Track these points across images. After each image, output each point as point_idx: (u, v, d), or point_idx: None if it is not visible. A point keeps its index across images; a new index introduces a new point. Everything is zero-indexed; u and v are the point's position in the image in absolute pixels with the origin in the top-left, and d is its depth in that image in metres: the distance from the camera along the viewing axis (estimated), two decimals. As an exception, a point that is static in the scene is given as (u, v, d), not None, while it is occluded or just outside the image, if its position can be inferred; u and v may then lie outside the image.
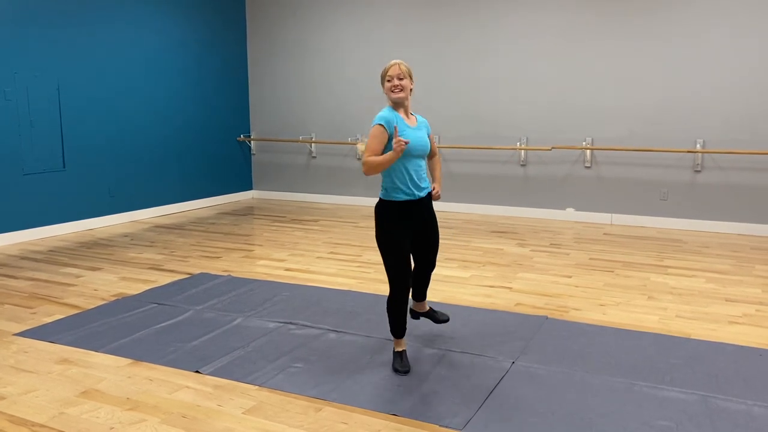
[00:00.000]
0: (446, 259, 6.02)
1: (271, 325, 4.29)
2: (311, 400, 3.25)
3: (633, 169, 7.61)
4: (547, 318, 4.40)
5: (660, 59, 7.31)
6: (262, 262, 6.01)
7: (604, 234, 7.17)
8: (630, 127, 7.53)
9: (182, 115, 8.70)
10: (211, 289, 5.11)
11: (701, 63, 7.15)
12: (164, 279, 5.42)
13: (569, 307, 4.67)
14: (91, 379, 3.49)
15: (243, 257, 6.18)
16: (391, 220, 3.48)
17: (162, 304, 4.74)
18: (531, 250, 6.38)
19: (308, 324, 4.29)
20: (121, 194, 7.93)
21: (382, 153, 3.39)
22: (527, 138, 8.02)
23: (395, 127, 3.35)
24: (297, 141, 9.45)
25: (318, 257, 6.15)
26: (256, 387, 3.39)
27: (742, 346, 3.90)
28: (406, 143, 3.29)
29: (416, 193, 3.49)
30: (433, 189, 3.66)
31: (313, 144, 9.38)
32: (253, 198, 9.94)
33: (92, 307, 4.70)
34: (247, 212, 8.72)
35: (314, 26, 9.15)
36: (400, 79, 3.43)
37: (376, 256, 5.65)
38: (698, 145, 7.22)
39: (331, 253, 6.30)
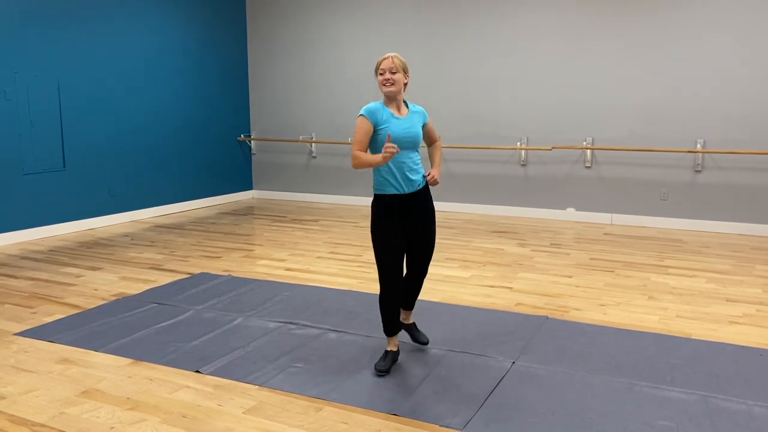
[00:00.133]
0: (446, 258, 6.02)
1: (272, 324, 4.29)
2: (311, 399, 3.25)
3: (633, 169, 7.61)
4: (547, 318, 4.40)
5: (660, 59, 7.31)
6: (262, 261, 6.01)
7: (605, 234, 7.17)
8: (630, 127, 7.53)
9: (182, 115, 8.70)
10: (211, 288, 5.11)
11: (701, 63, 7.14)
12: (164, 279, 5.42)
13: (570, 307, 4.67)
14: (91, 379, 3.49)
15: (243, 257, 6.18)
16: (382, 214, 3.44)
17: (162, 303, 4.74)
18: (531, 250, 6.38)
19: (308, 324, 4.29)
20: (121, 194, 7.93)
21: (369, 144, 3.39)
22: (527, 138, 8.02)
23: (388, 136, 3.27)
24: (297, 141, 9.45)
25: (318, 257, 6.15)
26: (257, 387, 3.39)
27: (742, 346, 3.90)
28: (397, 151, 3.23)
29: (406, 188, 3.42)
30: (428, 173, 3.51)
31: (313, 144, 9.38)
32: (253, 198, 9.94)
33: (92, 306, 4.70)
34: (247, 212, 8.72)
35: (315, 26, 9.15)
36: (393, 73, 3.38)
37: (377, 256, 5.65)
38: (699, 145, 7.22)
39: (332, 252, 6.30)
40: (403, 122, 3.43)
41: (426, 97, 8.35)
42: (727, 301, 4.80)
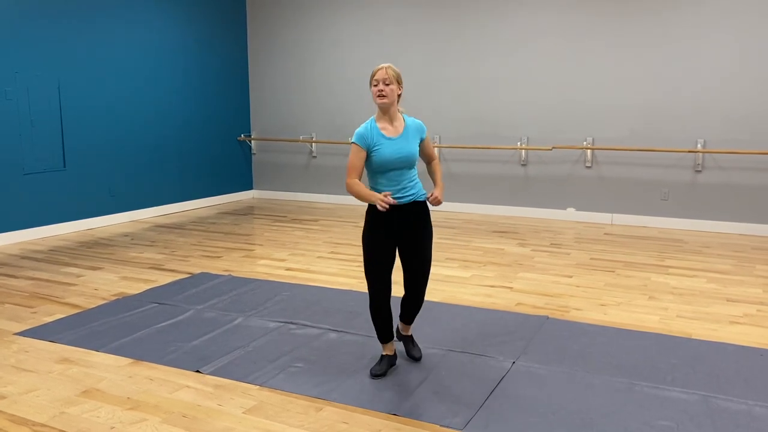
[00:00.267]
0: (447, 258, 6.02)
1: (272, 324, 4.29)
2: (312, 399, 3.25)
3: (634, 169, 7.61)
4: (547, 318, 4.40)
5: (660, 59, 7.31)
6: (262, 261, 6.01)
7: (605, 234, 7.17)
8: (631, 127, 7.53)
9: (183, 115, 8.70)
10: (211, 288, 5.11)
11: (702, 63, 7.14)
12: (165, 279, 5.42)
13: (570, 307, 4.67)
14: (91, 379, 3.49)
15: (243, 257, 6.18)
16: (372, 223, 3.42)
17: (162, 303, 4.74)
18: (532, 250, 6.37)
19: (309, 324, 4.29)
20: (121, 194, 7.93)
21: (363, 166, 3.34)
22: (528, 138, 8.02)
23: (385, 195, 3.20)
24: (297, 141, 9.45)
25: (318, 257, 6.15)
26: (257, 387, 3.39)
27: (743, 346, 3.90)
28: (392, 204, 3.18)
29: (397, 198, 3.34)
30: (431, 194, 3.42)
31: (313, 144, 9.38)
32: (253, 198, 9.94)
33: (93, 306, 4.70)
34: (247, 212, 8.72)
35: (315, 26, 9.15)
36: (386, 84, 3.31)
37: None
38: (699, 145, 7.22)
39: (332, 252, 6.30)
40: (395, 143, 3.33)
41: (427, 98, 8.36)
42: (727, 301, 4.79)
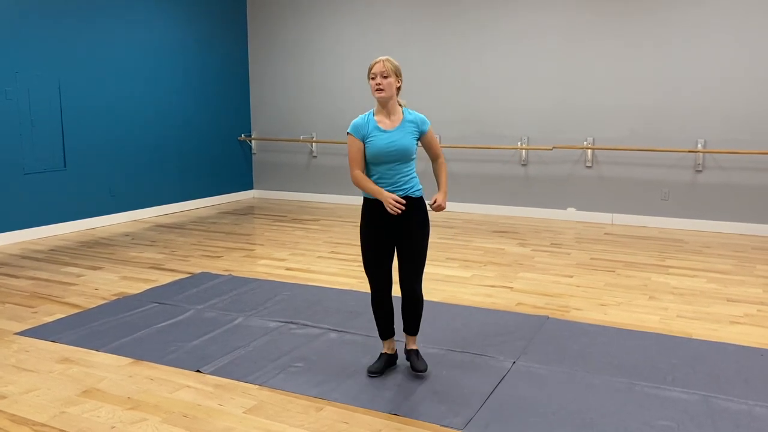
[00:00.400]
0: (447, 258, 6.02)
1: (272, 324, 4.29)
2: (312, 399, 3.25)
3: (634, 169, 7.61)
4: (548, 318, 4.40)
5: (661, 59, 7.31)
6: (262, 261, 6.01)
7: (606, 234, 7.17)
8: (631, 127, 7.53)
9: (183, 115, 8.70)
10: (211, 288, 5.11)
11: (702, 63, 7.14)
12: (165, 278, 5.42)
13: (570, 306, 4.66)
14: (92, 379, 3.49)
15: (244, 257, 6.18)
16: (367, 217, 3.42)
17: (163, 303, 4.74)
18: (532, 250, 6.37)
19: (309, 323, 4.29)
20: (121, 194, 7.93)
21: (363, 157, 3.32)
22: (528, 138, 8.02)
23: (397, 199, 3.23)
24: (298, 140, 9.45)
25: (319, 257, 6.15)
26: (257, 386, 3.39)
27: (743, 346, 3.90)
28: (402, 209, 3.20)
29: (390, 192, 3.30)
30: (433, 200, 3.35)
31: (313, 143, 9.38)
32: (253, 197, 9.94)
33: (93, 306, 4.70)
34: (247, 212, 8.72)
35: (315, 26, 9.15)
36: (384, 77, 3.28)
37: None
38: (699, 145, 7.21)
39: (332, 252, 6.30)
40: (388, 135, 3.30)
41: (426, 97, 8.36)
42: (728, 301, 4.79)
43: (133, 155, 8.03)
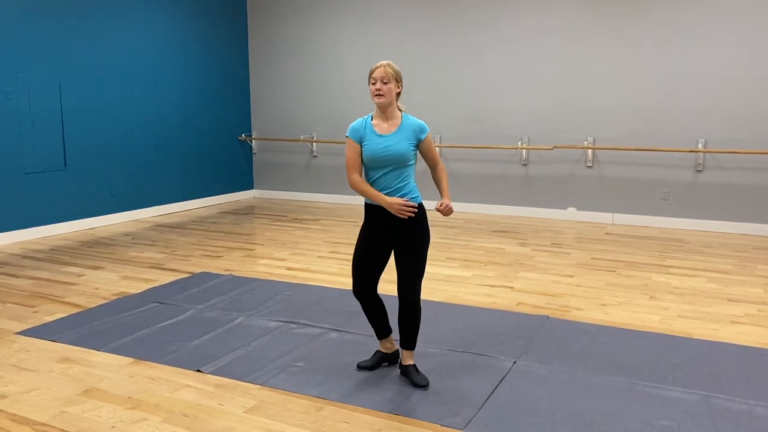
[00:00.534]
0: (448, 258, 6.02)
1: (273, 324, 4.29)
2: (312, 399, 3.25)
3: (635, 169, 7.61)
4: (548, 318, 4.40)
5: (661, 59, 7.30)
6: (263, 261, 6.01)
7: (606, 234, 7.17)
8: (631, 127, 7.53)
9: (183, 115, 8.71)
10: (212, 288, 5.11)
11: (702, 63, 7.14)
12: (165, 278, 5.42)
13: (571, 306, 4.66)
14: (92, 378, 3.49)
15: (244, 256, 6.18)
16: (365, 218, 3.42)
17: (163, 303, 4.74)
18: (532, 250, 6.37)
19: (309, 323, 4.29)
20: (122, 193, 7.93)
21: (361, 161, 3.32)
22: (529, 137, 8.02)
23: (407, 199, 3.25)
24: (298, 140, 9.45)
25: (319, 256, 6.15)
26: (258, 386, 3.39)
27: (744, 346, 3.90)
28: (414, 212, 3.23)
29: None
30: (440, 203, 3.30)
31: (314, 143, 9.38)
32: (254, 197, 9.94)
33: (94, 306, 4.70)
34: (248, 211, 8.72)
35: (315, 26, 9.15)
36: (384, 83, 3.25)
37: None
38: (700, 145, 7.21)
39: (333, 252, 6.30)
40: (384, 140, 3.28)
41: (427, 97, 8.36)
42: (728, 300, 4.79)
43: (133, 155, 8.03)
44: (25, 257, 6.18)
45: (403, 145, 3.29)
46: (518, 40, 7.96)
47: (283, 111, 9.56)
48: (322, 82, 9.20)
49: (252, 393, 3.32)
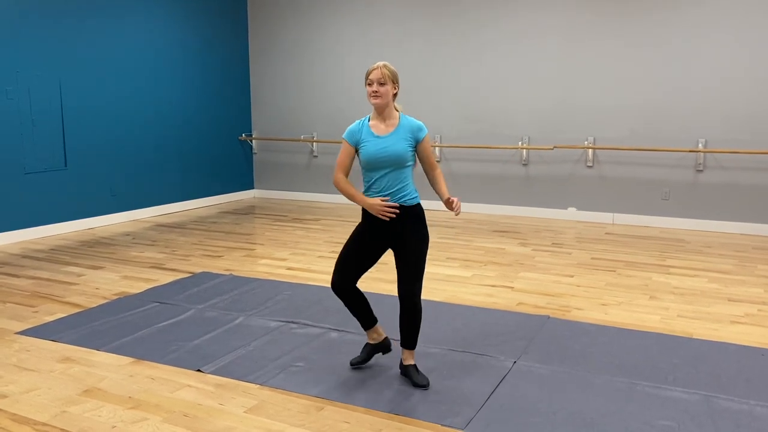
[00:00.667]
0: (448, 258, 6.02)
1: (273, 324, 4.29)
2: (313, 399, 3.25)
3: (635, 169, 7.61)
4: (548, 317, 4.40)
5: (661, 59, 7.30)
6: (263, 261, 6.01)
7: (606, 233, 7.17)
8: (632, 127, 7.53)
9: (184, 115, 8.71)
10: (212, 288, 5.11)
11: (703, 62, 7.14)
12: (166, 278, 5.42)
13: (571, 306, 4.66)
14: (93, 378, 3.50)
15: (244, 256, 6.18)
16: (362, 218, 3.43)
17: (164, 302, 4.74)
18: (533, 250, 6.37)
19: (310, 323, 4.29)
20: (122, 193, 7.94)
21: (350, 163, 3.35)
22: (529, 137, 8.02)
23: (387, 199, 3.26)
24: (298, 140, 9.45)
25: (319, 256, 6.15)
26: (258, 386, 3.39)
27: (744, 346, 3.90)
28: (395, 213, 3.23)
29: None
30: (449, 199, 3.32)
31: (314, 143, 9.38)
32: (254, 197, 9.94)
33: (94, 305, 4.70)
34: (248, 211, 8.72)
35: (315, 26, 9.15)
36: (381, 84, 3.25)
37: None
38: (700, 145, 7.21)
39: (333, 252, 6.30)
40: (381, 141, 3.28)
41: (427, 97, 8.36)
42: (729, 300, 4.79)
43: (133, 155, 8.03)
44: (25, 257, 6.18)
45: (400, 145, 3.29)
46: (518, 40, 7.96)
47: (284, 111, 9.56)
48: (322, 82, 9.20)
49: (252, 393, 3.32)
